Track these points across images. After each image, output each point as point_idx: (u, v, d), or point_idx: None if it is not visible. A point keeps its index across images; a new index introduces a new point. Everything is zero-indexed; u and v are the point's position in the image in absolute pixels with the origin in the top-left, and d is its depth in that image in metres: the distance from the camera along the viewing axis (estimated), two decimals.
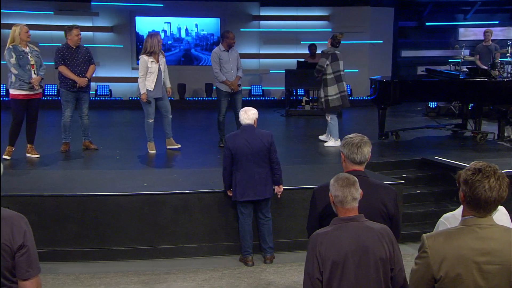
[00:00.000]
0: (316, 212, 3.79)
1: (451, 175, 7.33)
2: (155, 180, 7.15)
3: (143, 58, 8.31)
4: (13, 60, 7.78)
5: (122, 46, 14.94)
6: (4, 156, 8.00)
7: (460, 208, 3.03)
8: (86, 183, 7.01)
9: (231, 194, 6.32)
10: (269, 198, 6.32)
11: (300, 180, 7.08)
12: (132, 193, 6.52)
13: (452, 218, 3.28)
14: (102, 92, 14.71)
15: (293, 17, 15.28)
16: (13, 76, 7.83)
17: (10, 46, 7.83)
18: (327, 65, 9.02)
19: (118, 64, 14.85)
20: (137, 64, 14.19)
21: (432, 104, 12.76)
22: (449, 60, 11.59)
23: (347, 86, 9.63)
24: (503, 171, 7.35)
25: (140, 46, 14.61)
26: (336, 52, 9.13)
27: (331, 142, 9.30)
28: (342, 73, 9.11)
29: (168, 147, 8.91)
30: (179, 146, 8.93)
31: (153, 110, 8.49)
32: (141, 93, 8.31)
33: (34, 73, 7.93)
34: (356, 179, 3.29)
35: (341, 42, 9.35)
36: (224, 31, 9.48)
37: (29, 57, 7.90)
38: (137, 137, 9.28)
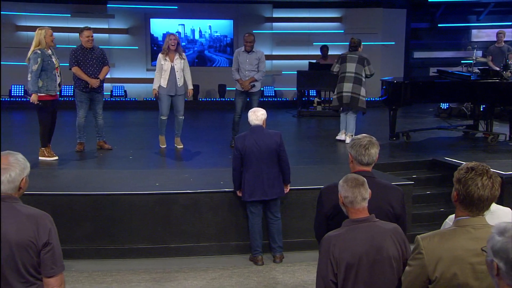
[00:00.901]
0: (323, 212, 3.81)
1: None
2: (167, 179, 7.22)
3: (159, 56, 8.85)
4: (35, 67, 7.66)
5: (137, 47, 15.10)
6: (49, 159, 8.10)
7: None
8: (99, 182, 7.09)
9: (241, 194, 6.37)
10: (278, 198, 6.37)
11: (310, 180, 7.11)
12: (144, 192, 6.59)
13: None
14: (117, 93, 14.88)
15: (306, 19, 15.31)
16: (40, 81, 7.76)
17: (38, 51, 7.72)
18: (337, 67, 9.47)
19: (133, 65, 15.01)
20: (152, 65, 14.52)
21: (444, 105, 12.73)
22: (462, 61, 11.54)
23: None
24: None
25: (155, 48, 14.87)
26: (349, 55, 9.39)
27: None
28: (348, 74, 9.28)
29: (175, 145, 9.21)
30: (182, 147, 9.20)
31: (166, 107, 8.85)
32: (152, 88, 8.83)
33: (59, 75, 7.97)
34: (365, 179, 3.32)
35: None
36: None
37: (53, 60, 7.90)
38: (150, 137, 9.41)
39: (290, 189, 6.58)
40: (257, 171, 6.18)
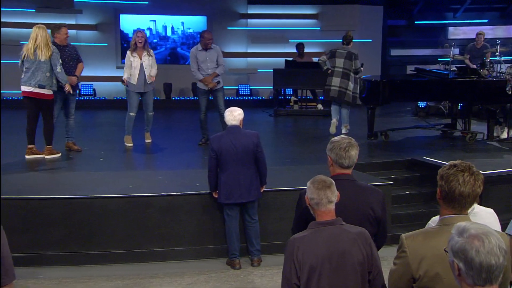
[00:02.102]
0: (302, 215, 3.73)
1: None
2: (140, 182, 7.09)
3: (127, 53, 9.01)
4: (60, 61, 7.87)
5: (106, 44, 14.73)
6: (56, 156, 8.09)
7: None
8: (69, 185, 6.95)
9: (217, 196, 6.26)
10: (255, 200, 6.28)
11: (288, 181, 7.02)
12: (116, 195, 6.46)
13: None
14: (86, 92, 14.49)
15: (281, 16, 15.18)
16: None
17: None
18: (324, 58, 9.90)
19: (103, 63, 14.63)
20: (122, 63, 14.20)
21: (422, 104, 12.75)
22: (439, 59, 11.53)
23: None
24: (494, 171, 7.31)
25: (125, 45, 14.52)
26: (338, 50, 9.86)
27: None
28: (337, 69, 9.77)
29: (145, 139, 9.44)
30: (150, 141, 9.42)
31: (135, 104, 9.03)
32: (122, 78, 8.96)
33: None
34: (333, 181, 3.31)
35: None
36: (202, 30, 9.81)
37: None
38: (121, 138, 9.24)
39: (268, 191, 6.52)
40: (234, 172, 6.09)
